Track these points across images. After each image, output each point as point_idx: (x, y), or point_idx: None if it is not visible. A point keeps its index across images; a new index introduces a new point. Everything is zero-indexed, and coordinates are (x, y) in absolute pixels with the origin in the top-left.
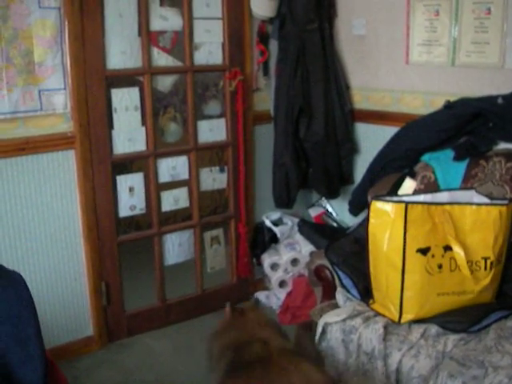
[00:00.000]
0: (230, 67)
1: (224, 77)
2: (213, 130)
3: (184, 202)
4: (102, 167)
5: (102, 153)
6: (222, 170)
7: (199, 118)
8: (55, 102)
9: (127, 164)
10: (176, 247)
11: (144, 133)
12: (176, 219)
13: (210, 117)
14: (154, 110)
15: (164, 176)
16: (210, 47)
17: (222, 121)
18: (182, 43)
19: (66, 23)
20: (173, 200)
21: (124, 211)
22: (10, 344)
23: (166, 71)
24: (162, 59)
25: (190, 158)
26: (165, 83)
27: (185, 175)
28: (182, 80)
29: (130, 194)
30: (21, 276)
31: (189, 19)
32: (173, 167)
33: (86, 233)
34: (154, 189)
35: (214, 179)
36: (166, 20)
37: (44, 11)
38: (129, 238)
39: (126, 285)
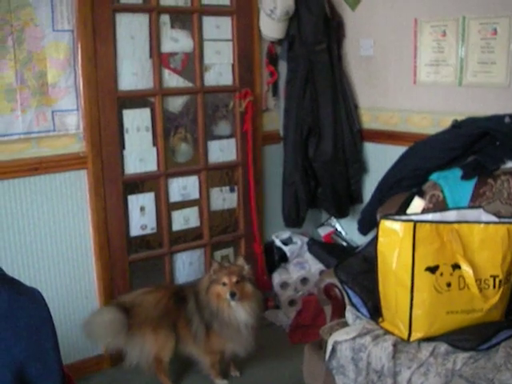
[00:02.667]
0: (240, 88)
1: (234, 97)
2: (223, 150)
3: (194, 222)
4: (113, 187)
5: (114, 173)
6: (232, 190)
7: (209, 139)
8: (68, 123)
9: (138, 184)
10: (187, 266)
11: (155, 153)
12: (186, 238)
13: (220, 137)
14: (165, 130)
15: (175, 196)
16: (219, 68)
17: (232, 141)
18: (193, 64)
19: (79, 45)
20: (183, 219)
21: (135, 230)
22: (30, 358)
23: (177, 92)
24: (172, 80)
25: (200, 178)
26: (175, 104)
27: (195, 195)
28: (193, 101)
29: (141, 213)
30: (40, 293)
31: (199, 41)
32: (183, 187)
33: (97, 252)
34: (165, 208)
35: (224, 199)
36: (176, 42)
37: (57, 34)
38: (140, 257)
39: None
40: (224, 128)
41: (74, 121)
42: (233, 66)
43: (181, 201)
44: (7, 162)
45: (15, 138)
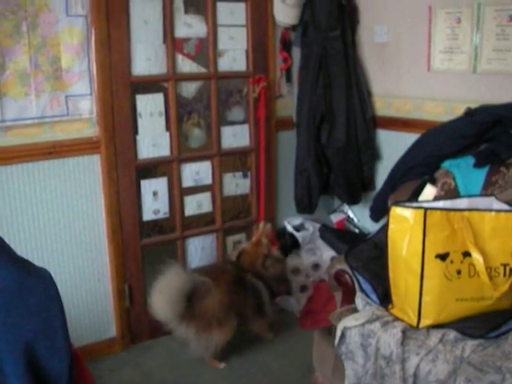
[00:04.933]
0: (254, 74)
1: (248, 83)
2: (236, 136)
3: (207, 207)
4: (126, 171)
5: (127, 157)
6: (245, 176)
7: (223, 124)
8: (81, 108)
9: (151, 168)
10: (199, 251)
11: (168, 138)
12: (199, 223)
13: (233, 123)
14: (178, 115)
15: (187, 181)
16: (233, 54)
17: (246, 127)
18: (206, 50)
19: (93, 30)
20: (196, 205)
21: (148, 215)
22: (39, 336)
23: (190, 77)
24: (186, 66)
25: (213, 163)
26: (189, 89)
27: (208, 180)
28: (206, 86)
29: (154, 198)
30: (49, 272)
31: (213, 26)
32: (196, 172)
33: (110, 235)
34: (178, 193)
35: (237, 184)
36: (190, 27)
37: (71, 19)
38: (152, 242)
39: (149, 287)
40: (237, 114)
41: (87, 105)
42: (247, 51)
43: (193, 186)
44: (21, 146)
45: (29, 122)
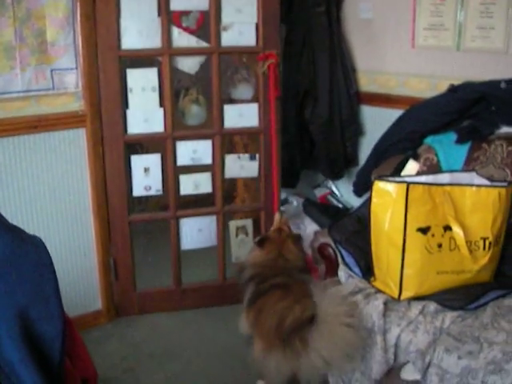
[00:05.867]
0: (264, 49)
1: (256, 59)
2: (242, 115)
3: (206, 188)
4: (114, 146)
5: (115, 132)
6: (252, 158)
7: (226, 102)
8: (67, 81)
9: (143, 144)
10: (195, 232)
11: (162, 114)
12: (196, 204)
13: (239, 101)
14: (175, 91)
15: (184, 159)
16: (240, 28)
17: (254, 106)
18: (209, 23)
19: (78, 3)
20: (193, 184)
21: (138, 191)
22: (32, 302)
23: (187, 52)
24: (183, 39)
25: (214, 143)
26: (189, 65)
27: (208, 160)
28: (208, 61)
29: (145, 174)
30: (41, 240)
31: None
32: (194, 151)
33: (95, 210)
34: (172, 171)
35: (241, 166)
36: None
37: None
38: (141, 218)
39: (140, 264)
40: (244, 92)
41: (72, 79)
42: (257, 25)
43: (190, 165)
44: (7, 120)
45: (14, 96)
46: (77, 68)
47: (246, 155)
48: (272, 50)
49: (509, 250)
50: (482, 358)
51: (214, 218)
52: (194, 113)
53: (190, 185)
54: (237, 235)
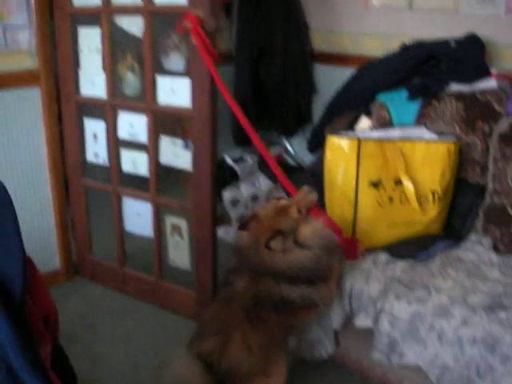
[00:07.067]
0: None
1: (182, 19)
2: (175, 92)
3: (142, 170)
4: (67, 106)
5: (67, 91)
6: (186, 146)
7: (158, 72)
8: (20, 39)
9: (92, 108)
10: (135, 216)
11: (103, 78)
12: (139, 186)
13: (171, 73)
14: (113, 55)
15: (123, 132)
16: None
17: (185, 82)
18: None
19: None
20: (131, 163)
21: (89, 156)
22: None
23: (123, 10)
24: None
25: (148, 119)
26: (135, 26)
27: (143, 138)
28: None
29: (95, 140)
30: (3, 184)
31: None
32: (131, 124)
33: (51, 168)
34: (113, 142)
35: (175, 154)
36: None
37: None
38: (94, 185)
39: (96, 232)
40: (176, 62)
41: (25, 37)
42: None
43: (130, 141)
44: None
45: None
46: (30, 26)
47: (180, 141)
48: (196, 9)
49: (457, 204)
50: (430, 304)
51: (150, 206)
52: (130, 81)
53: (129, 163)
54: (172, 234)
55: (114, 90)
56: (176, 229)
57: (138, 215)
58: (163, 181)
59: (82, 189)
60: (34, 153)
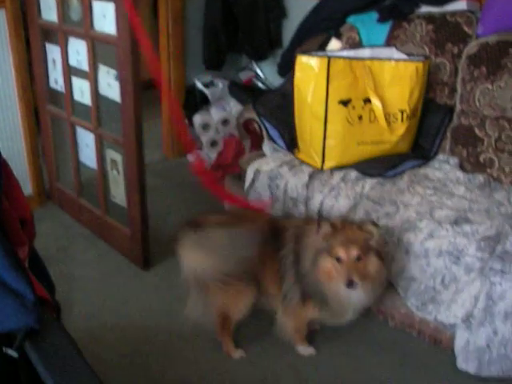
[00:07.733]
0: None
1: None
2: (106, 18)
3: (87, 99)
4: (32, 30)
5: (32, 15)
6: (117, 77)
7: None
8: None
9: (51, 33)
10: (85, 147)
11: (55, 2)
12: (83, 116)
13: None
14: None
15: (72, 59)
16: None
17: (110, 5)
18: None
19: None
20: (80, 91)
21: (52, 82)
22: None
23: None
24: None
25: (87, 46)
26: None
27: (85, 66)
28: None
29: (54, 66)
30: None
31: None
32: (77, 52)
33: (20, 94)
34: (66, 69)
35: (109, 84)
36: None
37: None
38: (57, 113)
39: (63, 160)
40: None
41: None
42: None
43: (77, 68)
44: None
45: None
46: None
47: (113, 71)
48: None
49: (425, 124)
50: (398, 218)
51: (93, 138)
52: (75, 6)
53: (78, 91)
54: (111, 168)
55: (63, 14)
56: (114, 163)
57: (87, 146)
58: (105, 113)
59: (47, 116)
60: (2, 78)
